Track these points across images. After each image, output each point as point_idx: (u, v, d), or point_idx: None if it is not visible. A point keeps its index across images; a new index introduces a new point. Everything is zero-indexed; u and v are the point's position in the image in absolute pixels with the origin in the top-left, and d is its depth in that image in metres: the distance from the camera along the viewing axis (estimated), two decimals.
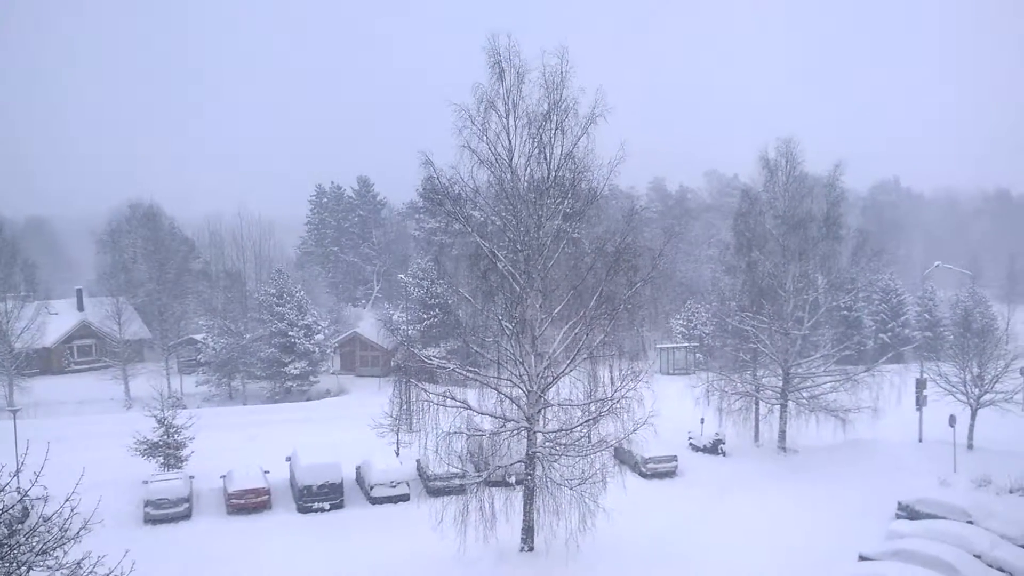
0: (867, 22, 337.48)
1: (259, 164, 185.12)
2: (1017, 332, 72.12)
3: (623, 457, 34.12)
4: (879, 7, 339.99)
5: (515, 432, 26.39)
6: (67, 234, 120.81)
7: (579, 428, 26.34)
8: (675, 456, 36.43)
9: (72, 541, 12.73)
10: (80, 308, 71.05)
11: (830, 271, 40.11)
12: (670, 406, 33.23)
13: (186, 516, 30.97)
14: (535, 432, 26.18)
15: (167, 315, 66.95)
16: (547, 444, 26.32)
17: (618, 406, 25.77)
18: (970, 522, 26.58)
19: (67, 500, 12.59)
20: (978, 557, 23.78)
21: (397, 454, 36.04)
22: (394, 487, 32.55)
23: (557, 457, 26.22)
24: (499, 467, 26.65)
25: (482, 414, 26.81)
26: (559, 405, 26.89)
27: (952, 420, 35.42)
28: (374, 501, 32.43)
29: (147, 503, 30.75)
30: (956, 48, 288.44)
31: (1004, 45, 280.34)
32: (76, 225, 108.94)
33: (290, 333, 60.02)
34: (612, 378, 26.43)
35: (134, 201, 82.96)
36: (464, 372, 27.23)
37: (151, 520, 30.43)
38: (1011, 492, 31.89)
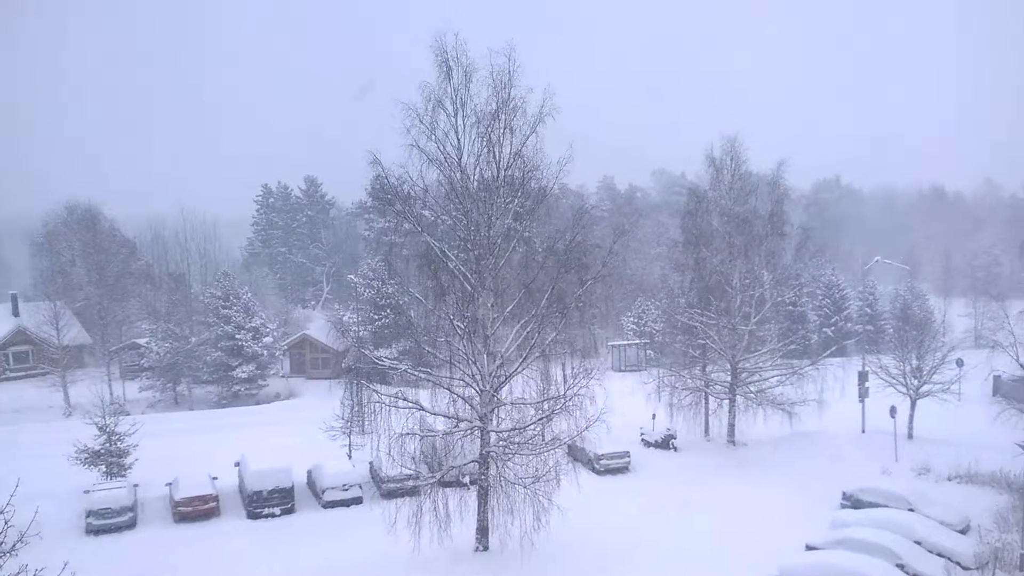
0: (809, 22, 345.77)
1: (203, 164, 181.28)
2: (953, 324, 74.58)
3: (576, 454, 34.31)
4: (822, 7, 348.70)
5: (468, 432, 26.34)
6: (0, 236, 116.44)
7: (532, 426, 26.35)
8: (627, 452, 36.82)
9: (7, 555, 12.25)
10: (15, 313, 68.44)
11: (775, 267, 40.94)
12: (622, 403, 33.62)
13: (130, 526, 30.11)
14: (488, 431, 26.16)
15: (108, 319, 65.03)
16: (500, 443, 26.30)
17: (571, 404, 25.89)
18: (911, 509, 27.46)
19: (1, 512, 12.09)
20: (918, 543, 24.59)
21: (349, 457, 35.65)
22: (346, 490, 32.19)
23: (511, 456, 26.24)
24: (453, 467, 26.53)
25: (435, 414, 26.63)
26: (512, 404, 26.87)
27: (893, 411, 36.51)
28: (326, 505, 32.02)
29: (89, 513, 29.79)
30: (900, 49, 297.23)
31: (944, 47, 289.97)
32: (10, 227, 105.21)
33: (237, 336, 58.89)
34: (564, 376, 26.56)
35: (71, 202, 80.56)
36: (416, 372, 27.09)
37: (93, 531, 29.52)
38: (949, 480, 33.06)
